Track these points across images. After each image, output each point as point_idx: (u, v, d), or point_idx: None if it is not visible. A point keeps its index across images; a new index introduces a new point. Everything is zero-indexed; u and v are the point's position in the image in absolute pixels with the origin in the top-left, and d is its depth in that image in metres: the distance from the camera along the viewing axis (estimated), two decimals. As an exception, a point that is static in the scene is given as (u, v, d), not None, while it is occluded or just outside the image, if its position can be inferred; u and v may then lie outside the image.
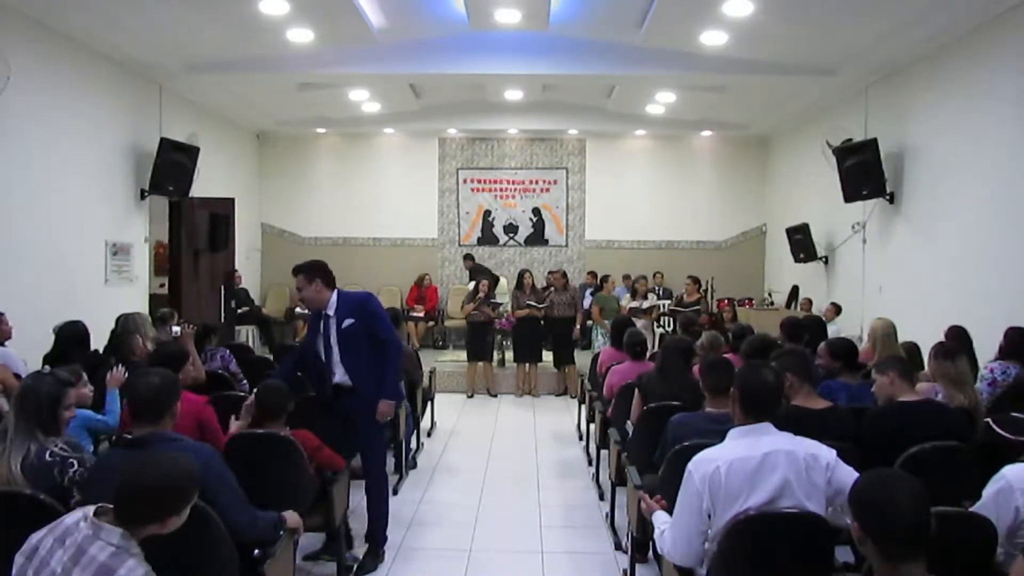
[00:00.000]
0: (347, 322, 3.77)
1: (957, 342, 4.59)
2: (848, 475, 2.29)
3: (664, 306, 9.64)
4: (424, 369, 6.53)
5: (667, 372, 4.11)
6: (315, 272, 3.78)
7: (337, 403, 3.87)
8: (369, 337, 3.79)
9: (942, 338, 4.69)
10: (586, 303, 10.25)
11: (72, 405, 2.82)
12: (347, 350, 3.79)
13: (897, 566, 1.69)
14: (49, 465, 2.49)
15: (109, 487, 2.36)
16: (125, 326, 4.83)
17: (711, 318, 8.30)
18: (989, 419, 2.98)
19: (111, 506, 1.88)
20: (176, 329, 4.98)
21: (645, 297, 8.61)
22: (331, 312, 3.78)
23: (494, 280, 9.48)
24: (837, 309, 8.14)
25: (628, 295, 9.12)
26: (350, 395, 3.83)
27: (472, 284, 8.81)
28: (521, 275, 8.63)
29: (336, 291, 3.83)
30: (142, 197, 7.65)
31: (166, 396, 2.54)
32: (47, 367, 2.76)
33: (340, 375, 3.83)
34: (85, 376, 3.48)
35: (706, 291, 9.93)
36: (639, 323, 8.06)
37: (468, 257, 10.88)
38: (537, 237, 11.68)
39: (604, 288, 10.00)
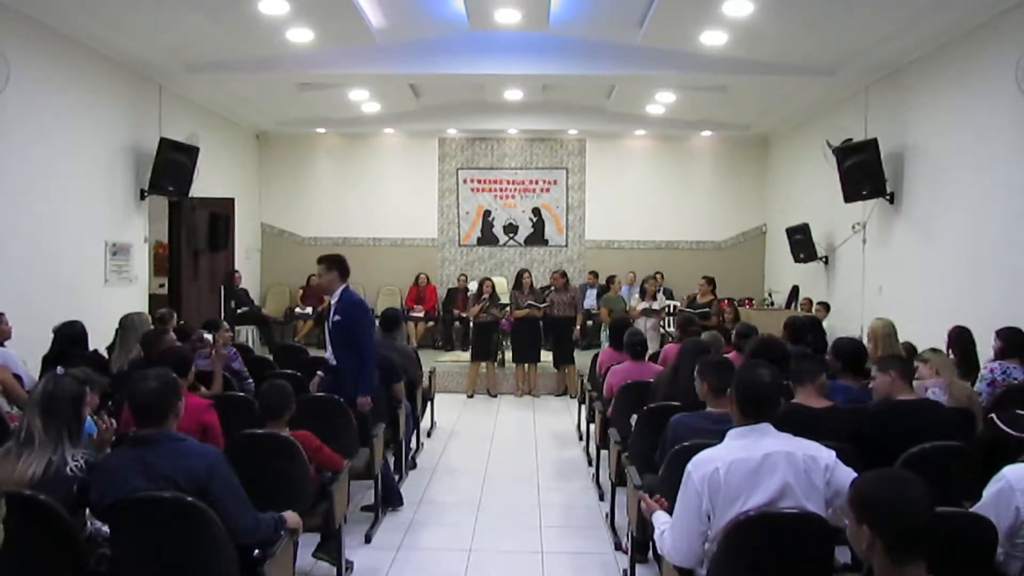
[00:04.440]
0: (336, 317, 4.56)
1: (959, 342, 4.59)
2: (847, 476, 2.29)
3: (672, 307, 9.61)
4: (424, 369, 6.53)
5: (681, 373, 4.06)
6: (334, 263, 4.63)
7: (328, 378, 4.70)
8: (352, 335, 4.54)
9: (943, 338, 4.69)
10: (587, 303, 10.26)
11: (89, 404, 2.77)
12: (334, 339, 4.62)
13: (903, 567, 1.68)
14: (69, 480, 2.46)
15: (118, 485, 2.38)
16: (131, 323, 4.79)
17: (719, 319, 8.25)
18: (993, 415, 2.98)
19: None
20: (208, 337, 5.05)
21: (654, 298, 8.57)
22: (333, 302, 4.60)
23: None
24: (826, 308, 8.19)
25: (637, 296, 9.10)
26: (335, 373, 4.64)
27: (475, 285, 8.82)
28: (519, 275, 8.61)
29: (344, 286, 4.61)
30: (142, 197, 7.65)
31: (166, 398, 2.52)
32: (59, 368, 2.69)
33: (330, 355, 4.69)
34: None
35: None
36: (649, 323, 8.05)
37: None
38: (537, 237, 11.67)
39: (611, 289, 10.00)
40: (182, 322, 6.27)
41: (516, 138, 11.54)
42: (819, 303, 8.42)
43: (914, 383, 3.71)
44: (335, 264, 4.61)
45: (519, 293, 8.48)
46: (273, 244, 11.51)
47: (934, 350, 4.10)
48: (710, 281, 8.74)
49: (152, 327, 4.78)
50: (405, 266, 11.42)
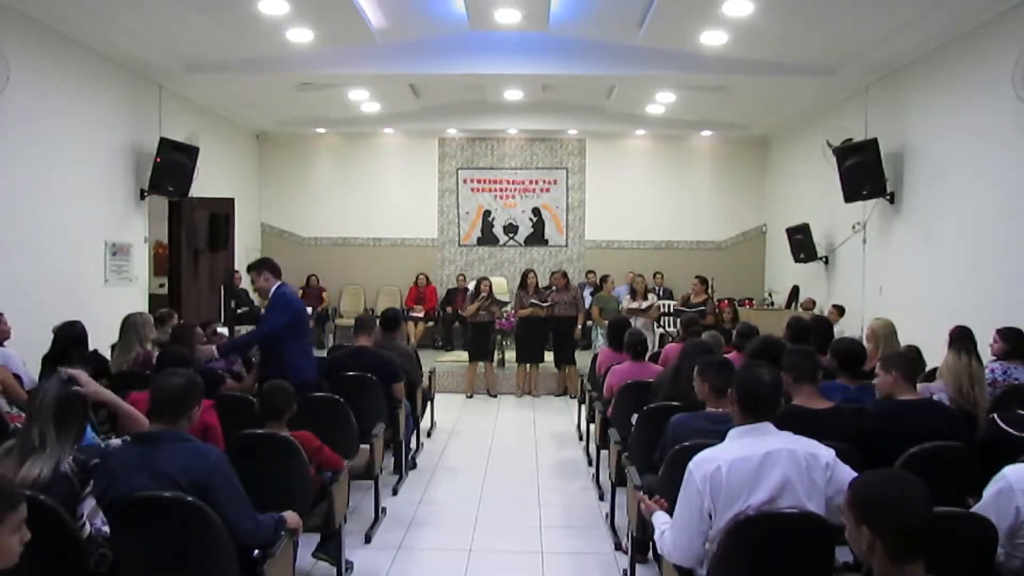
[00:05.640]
0: (269, 306, 4.81)
1: (961, 342, 4.57)
2: (848, 474, 2.30)
3: (664, 306, 9.60)
4: (424, 369, 6.53)
5: (684, 373, 4.04)
6: (263, 265, 4.84)
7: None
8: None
9: (944, 338, 4.67)
10: (587, 302, 10.25)
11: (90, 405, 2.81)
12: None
13: (903, 567, 1.68)
14: (66, 479, 2.46)
15: (119, 482, 2.39)
16: (133, 323, 4.79)
17: (716, 319, 8.25)
18: (995, 415, 2.98)
19: None
20: (222, 331, 5.31)
21: (645, 297, 8.58)
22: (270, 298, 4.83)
23: None
24: (840, 311, 8.05)
25: (628, 295, 9.15)
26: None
27: (473, 284, 8.81)
28: (525, 275, 8.61)
29: (280, 283, 4.83)
30: (142, 197, 7.65)
31: (188, 398, 2.55)
32: (62, 370, 2.71)
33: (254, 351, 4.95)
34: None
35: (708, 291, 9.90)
36: (639, 323, 8.05)
37: None
38: (537, 237, 11.67)
39: (604, 288, 10.00)
40: (182, 321, 6.27)
41: (516, 138, 11.54)
42: (833, 306, 8.15)
43: (919, 387, 3.70)
44: (264, 265, 4.81)
45: (524, 293, 8.47)
46: (273, 244, 11.49)
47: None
48: (703, 281, 8.74)
49: (152, 327, 4.82)
50: (405, 266, 11.42)
